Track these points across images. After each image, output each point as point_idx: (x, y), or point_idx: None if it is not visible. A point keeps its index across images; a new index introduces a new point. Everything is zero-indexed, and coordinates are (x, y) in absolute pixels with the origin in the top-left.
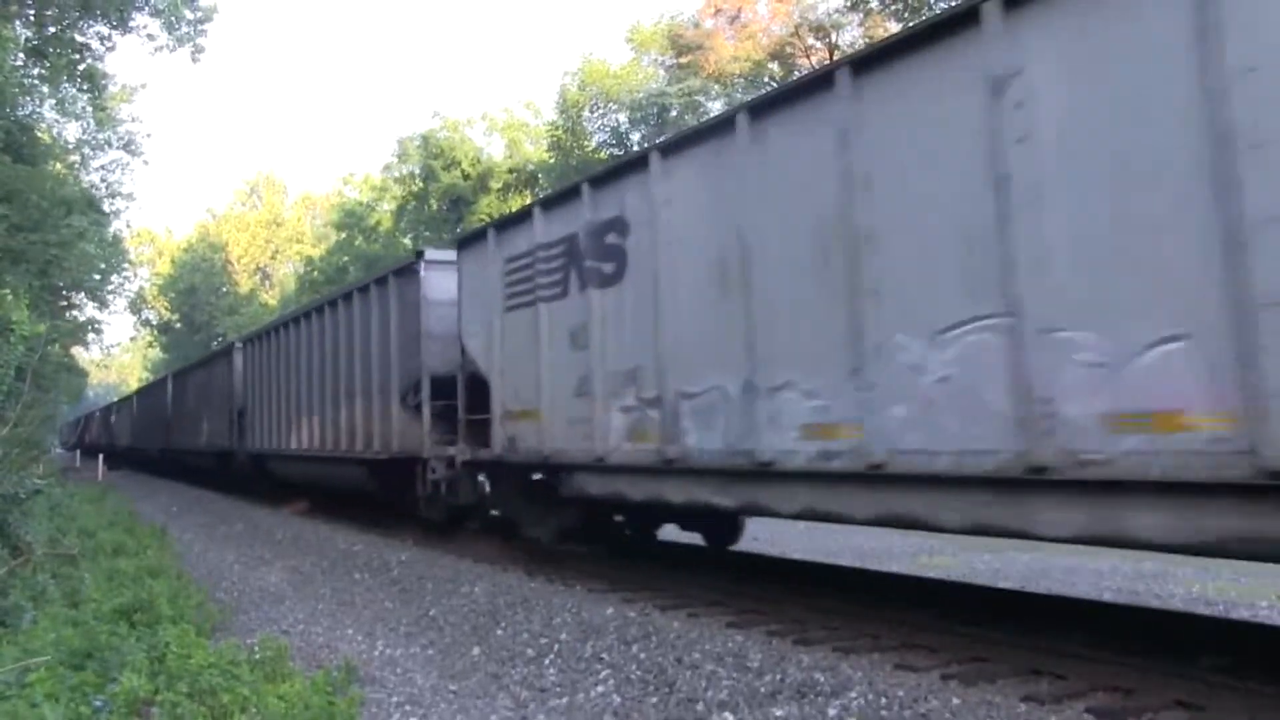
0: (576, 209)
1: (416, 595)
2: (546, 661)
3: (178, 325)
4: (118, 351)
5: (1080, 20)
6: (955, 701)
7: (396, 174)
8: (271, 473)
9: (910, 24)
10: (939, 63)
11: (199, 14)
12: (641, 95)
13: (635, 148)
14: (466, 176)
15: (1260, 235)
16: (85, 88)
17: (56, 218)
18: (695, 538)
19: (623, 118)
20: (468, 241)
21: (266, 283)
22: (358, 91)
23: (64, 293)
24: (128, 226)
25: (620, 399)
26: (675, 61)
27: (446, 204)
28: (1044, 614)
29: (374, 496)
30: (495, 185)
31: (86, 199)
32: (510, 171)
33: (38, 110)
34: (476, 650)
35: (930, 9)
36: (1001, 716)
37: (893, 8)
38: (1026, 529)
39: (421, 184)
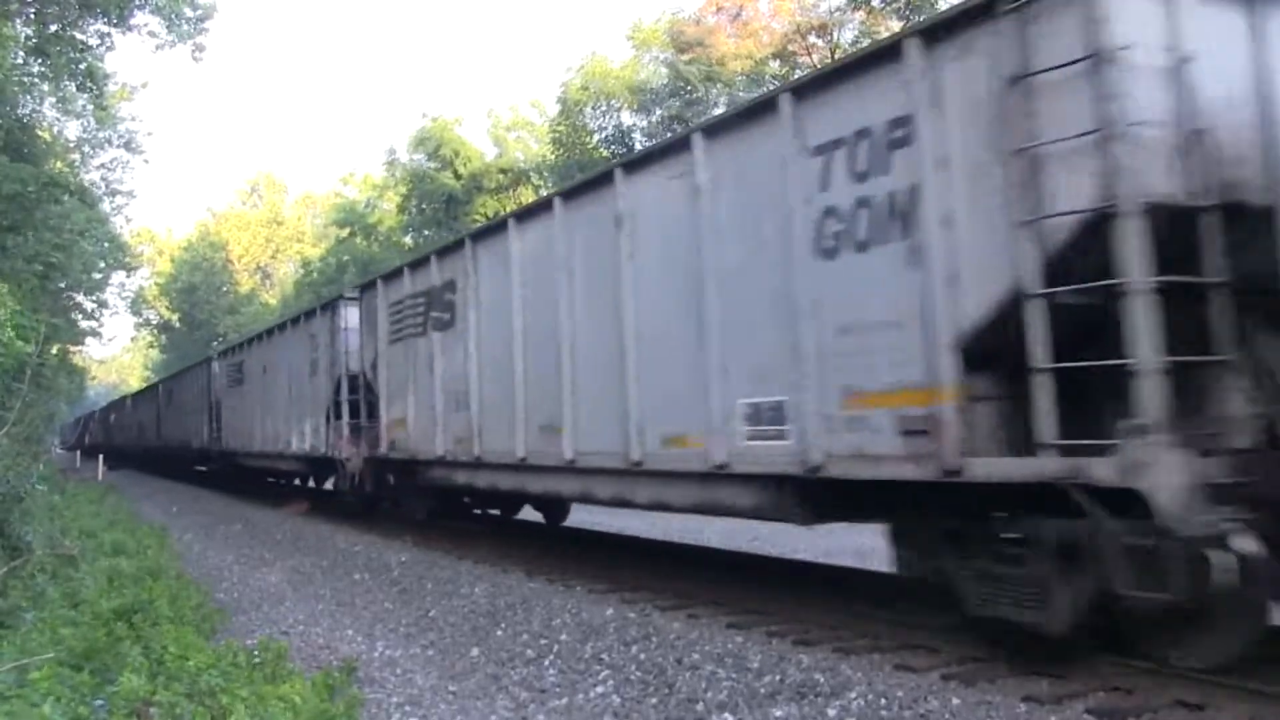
0: None
1: (416, 596)
2: (546, 662)
3: (178, 325)
4: (118, 351)
5: None
6: (955, 701)
7: (396, 174)
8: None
9: (915, 21)
10: None
11: (199, 11)
12: (656, 83)
13: (637, 146)
14: (458, 177)
15: None
16: (86, 86)
17: (47, 209)
18: None
19: (625, 116)
20: None
21: (267, 282)
22: (357, 91)
23: (66, 293)
24: (127, 222)
25: None
26: (676, 59)
27: (441, 205)
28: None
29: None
30: (490, 185)
31: (78, 187)
32: (502, 171)
33: (38, 108)
34: (476, 651)
35: (932, 7)
36: (1001, 716)
37: (894, 5)
38: None
39: (418, 184)
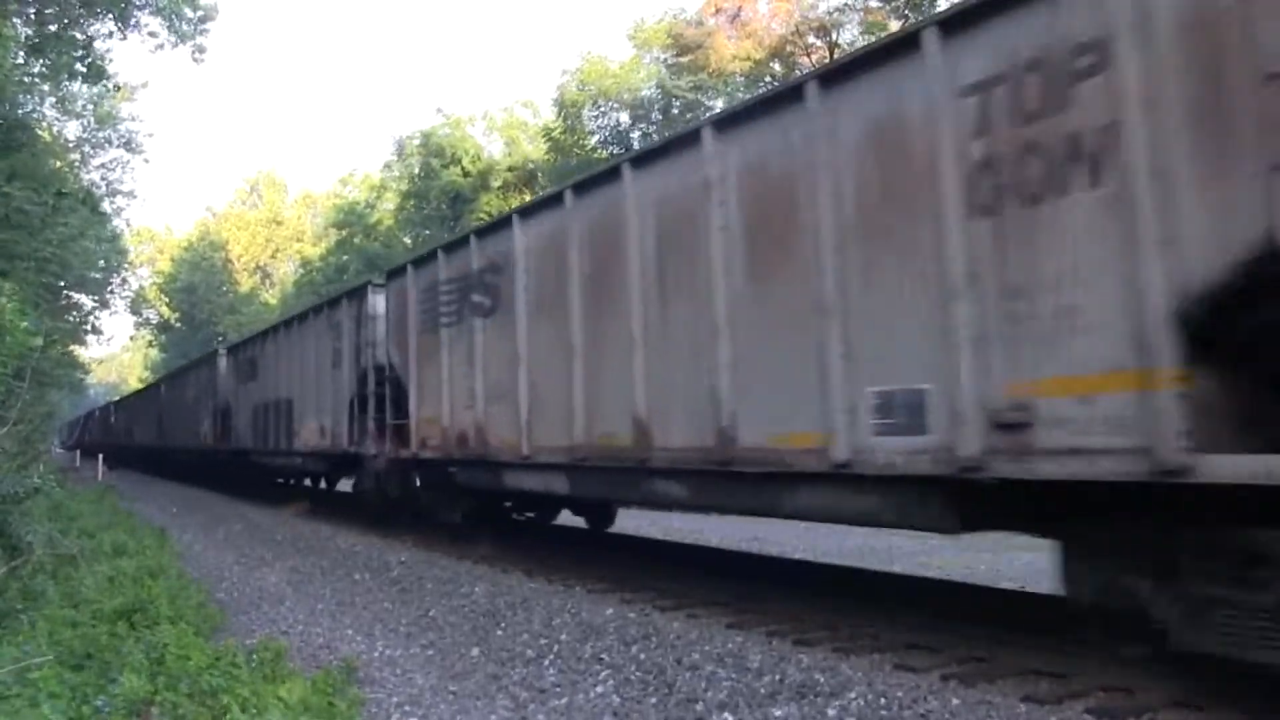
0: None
1: (416, 596)
2: (546, 662)
3: (177, 324)
4: (118, 350)
5: None
6: (955, 701)
7: (396, 172)
8: None
9: (905, 25)
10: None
11: (200, 12)
12: (646, 91)
13: (635, 146)
14: (466, 174)
15: None
16: (84, 88)
17: (48, 209)
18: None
19: (624, 116)
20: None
21: (267, 281)
22: (358, 91)
23: (65, 292)
24: (128, 225)
25: None
26: (676, 60)
27: (446, 202)
28: (1044, 614)
29: None
30: (496, 184)
31: (87, 194)
32: (510, 170)
33: (38, 108)
34: (476, 651)
35: (932, 5)
36: (1001, 716)
37: (892, 5)
38: None
39: (422, 181)
